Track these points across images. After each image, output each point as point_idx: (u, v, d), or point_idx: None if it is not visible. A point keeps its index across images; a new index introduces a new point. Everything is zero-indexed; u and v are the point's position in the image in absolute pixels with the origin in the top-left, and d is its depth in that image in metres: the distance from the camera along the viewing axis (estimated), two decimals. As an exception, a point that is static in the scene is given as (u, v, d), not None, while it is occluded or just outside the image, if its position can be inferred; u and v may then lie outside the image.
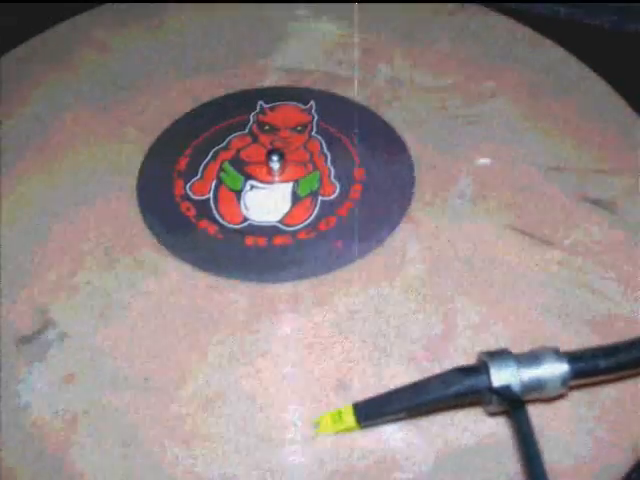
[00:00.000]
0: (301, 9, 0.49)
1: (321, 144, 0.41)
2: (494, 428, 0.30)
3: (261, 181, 0.39)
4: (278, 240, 0.37)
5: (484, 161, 0.40)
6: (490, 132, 0.41)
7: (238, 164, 0.40)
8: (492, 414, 0.30)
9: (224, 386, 0.32)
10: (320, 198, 0.38)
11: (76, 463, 0.30)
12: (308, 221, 0.37)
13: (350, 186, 0.39)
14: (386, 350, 0.33)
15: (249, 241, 0.37)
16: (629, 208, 0.38)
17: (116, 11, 0.50)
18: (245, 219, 0.38)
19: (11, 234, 0.37)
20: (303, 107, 0.43)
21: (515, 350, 0.29)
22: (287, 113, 0.43)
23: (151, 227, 0.37)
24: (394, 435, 0.30)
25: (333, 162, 0.40)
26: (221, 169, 0.40)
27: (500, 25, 0.48)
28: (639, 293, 0.34)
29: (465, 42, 0.47)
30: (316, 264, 0.36)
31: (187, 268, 0.36)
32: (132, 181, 0.39)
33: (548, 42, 0.47)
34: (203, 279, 0.35)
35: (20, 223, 0.38)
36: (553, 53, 0.46)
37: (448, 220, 0.37)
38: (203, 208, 0.38)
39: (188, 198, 0.38)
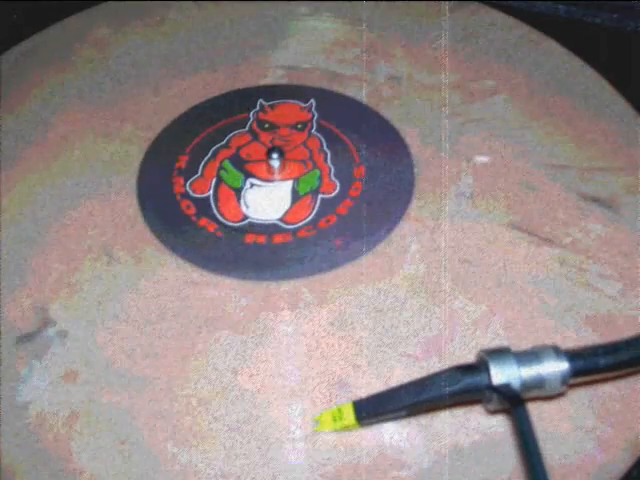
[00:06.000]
0: (301, 7, 0.49)
1: (321, 142, 0.41)
2: (494, 426, 0.30)
3: (261, 179, 0.39)
4: (278, 238, 0.37)
5: (484, 159, 0.40)
6: (490, 130, 0.41)
7: (238, 162, 0.40)
8: (492, 412, 0.30)
9: (223, 384, 0.32)
10: (320, 196, 0.38)
11: (75, 461, 0.30)
12: (308, 219, 0.37)
13: (350, 184, 0.39)
14: (386, 348, 0.33)
15: (249, 239, 0.37)
16: (629, 206, 0.38)
17: (116, 9, 0.50)
18: (245, 217, 0.38)
19: (11, 233, 0.37)
20: (303, 105, 0.43)
21: (515, 348, 0.29)
22: (287, 111, 0.43)
23: (151, 225, 0.37)
24: (394, 433, 0.30)
25: (333, 160, 0.40)
26: (221, 167, 0.40)
27: (500, 23, 0.48)
28: (639, 291, 0.34)
29: (465, 40, 0.47)
30: (316, 262, 0.36)
31: (187, 266, 0.36)
32: (132, 179, 0.39)
33: (548, 40, 0.47)
34: (203, 277, 0.35)
35: (20, 221, 0.38)
36: (553, 51, 0.46)
37: (448, 218, 0.37)
38: (203, 206, 0.38)
39: (188, 196, 0.38)
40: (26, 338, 0.33)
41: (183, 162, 0.40)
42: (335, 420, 0.30)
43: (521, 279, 0.35)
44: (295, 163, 0.40)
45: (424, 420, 0.30)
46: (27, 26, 0.49)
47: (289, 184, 0.39)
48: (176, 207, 0.38)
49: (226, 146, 0.41)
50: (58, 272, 0.36)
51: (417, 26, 0.48)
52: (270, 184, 0.39)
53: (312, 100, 0.43)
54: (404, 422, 0.30)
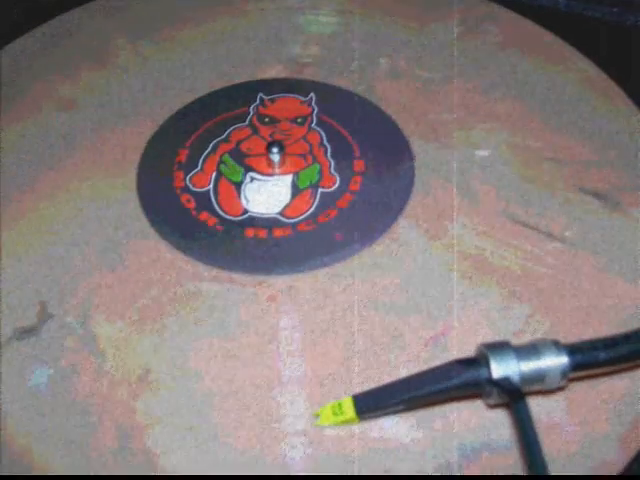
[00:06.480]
0: (301, 0, 0.49)
1: (321, 136, 0.41)
2: (493, 420, 0.30)
3: (261, 173, 0.39)
4: (278, 232, 0.37)
5: (484, 153, 0.40)
6: (490, 124, 0.41)
7: (238, 156, 0.40)
8: (492, 406, 0.30)
9: (224, 379, 0.32)
10: (320, 190, 0.38)
11: (75, 458, 0.30)
12: (308, 213, 0.37)
13: (350, 178, 0.39)
14: (386, 343, 0.33)
15: (249, 233, 0.37)
16: (629, 200, 0.38)
17: (116, 3, 0.50)
18: (245, 211, 0.38)
19: (11, 229, 0.37)
20: (303, 99, 0.43)
21: (515, 342, 0.29)
22: (287, 105, 0.42)
23: (151, 219, 0.37)
24: (394, 427, 0.30)
25: (333, 154, 0.40)
26: (221, 161, 0.40)
27: (500, 17, 0.48)
28: (639, 285, 0.34)
29: (466, 34, 0.47)
30: (316, 256, 0.36)
31: (187, 260, 0.36)
32: (132, 173, 0.39)
33: (548, 34, 0.47)
34: (203, 271, 0.35)
35: (20, 218, 0.38)
36: (553, 45, 0.46)
37: (448, 212, 0.37)
38: (203, 200, 0.38)
39: (188, 190, 0.38)
40: (26, 332, 0.33)
41: (183, 156, 0.40)
42: (335, 414, 0.30)
43: (521, 273, 0.35)
44: (295, 157, 0.40)
45: (424, 414, 0.30)
46: (27, 21, 0.49)
47: (289, 178, 0.39)
48: (176, 201, 0.38)
49: (226, 140, 0.41)
50: (57, 267, 0.36)
51: (418, 20, 0.48)
52: (270, 178, 0.39)
53: (312, 94, 0.43)
54: (404, 416, 0.30)
